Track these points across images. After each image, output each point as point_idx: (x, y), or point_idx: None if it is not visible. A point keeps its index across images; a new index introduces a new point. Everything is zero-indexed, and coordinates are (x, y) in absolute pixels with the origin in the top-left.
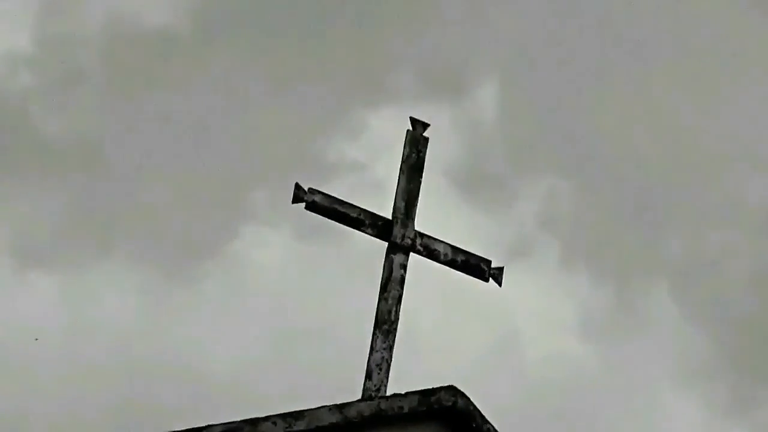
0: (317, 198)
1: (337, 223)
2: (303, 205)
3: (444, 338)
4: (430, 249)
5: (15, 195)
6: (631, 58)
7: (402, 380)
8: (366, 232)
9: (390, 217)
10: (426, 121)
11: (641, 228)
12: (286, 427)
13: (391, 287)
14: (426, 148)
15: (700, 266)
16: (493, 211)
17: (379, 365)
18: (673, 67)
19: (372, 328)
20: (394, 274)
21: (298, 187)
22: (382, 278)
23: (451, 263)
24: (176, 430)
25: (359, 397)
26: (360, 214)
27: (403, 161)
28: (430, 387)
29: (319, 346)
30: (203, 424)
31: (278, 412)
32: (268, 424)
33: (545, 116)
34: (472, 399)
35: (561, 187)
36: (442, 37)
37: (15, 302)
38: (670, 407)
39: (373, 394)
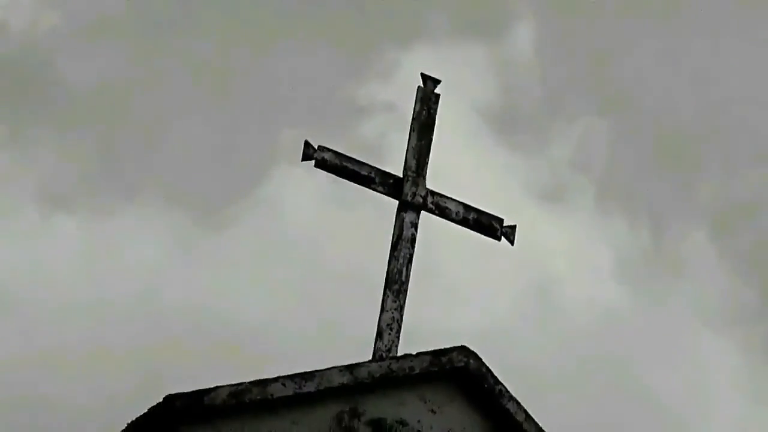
0: (327, 155)
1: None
2: (312, 162)
3: (478, 286)
4: (441, 207)
5: (41, 142)
6: (667, 2)
7: (441, 334)
8: (376, 190)
9: (401, 175)
10: (437, 77)
11: (677, 171)
12: (296, 388)
13: (402, 246)
14: (437, 104)
15: (737, 208)
16: (528, 152)
17: (389, 325)
18: (708, 8)
19: (382, 287)
20: (404, 233)
21: (307, 144)
22: (392, 237)
23: (463, 221)
24: (183, 391)
25: (370, 357)
26: (370, 172)
27: (413, 118)
28: (441, 347)
29: (350, 293)
30: (212, 386)
31: (287, 373)
32: (278, 385)
33: (581, 58)
34: (484, 359)
35: (596, 129)
36: None
37: (41, 248)
38: (707, 351)
39: (383, 355)
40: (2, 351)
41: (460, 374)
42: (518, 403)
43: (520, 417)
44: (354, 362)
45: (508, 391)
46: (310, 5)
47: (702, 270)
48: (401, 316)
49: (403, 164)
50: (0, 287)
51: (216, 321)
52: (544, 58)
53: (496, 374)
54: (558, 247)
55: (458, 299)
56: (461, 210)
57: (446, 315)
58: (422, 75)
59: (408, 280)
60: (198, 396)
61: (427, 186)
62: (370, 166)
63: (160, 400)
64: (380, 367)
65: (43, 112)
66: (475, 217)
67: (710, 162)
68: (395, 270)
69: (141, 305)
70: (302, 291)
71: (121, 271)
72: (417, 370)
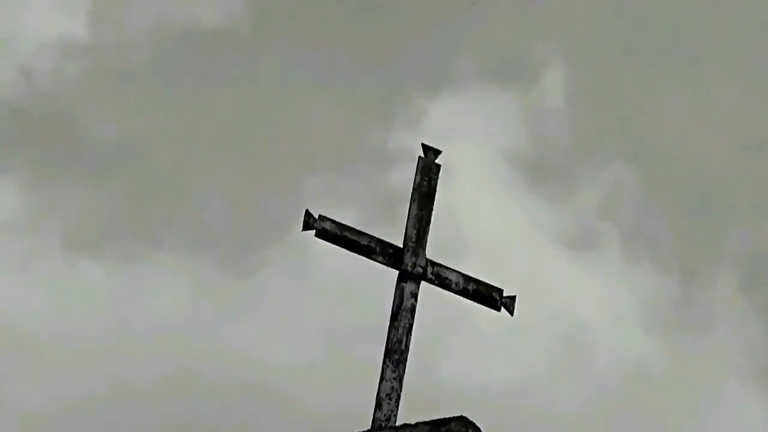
0: (327, 225)
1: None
2: (313, 232)
3: (507, 338)
4: (441, 277)
5: (66, 188)
6: (696, 48)
7: (471, 388)
8: (376, 260)
9: (401, 245)
10: (438, 148)
11: (707, 220)
12: None
13: (402, 316)
14: (438, 175)
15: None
16: (556, 200)
17: (389, 395)
18: (736, 58)
19: (382, 357)
20: (404, 303)
21: (308, 214)
22: (392, 307)
23: (463, 292)
24: None
25: (369, 427)
26: (370, 242)
27: (414, 188)
28: (441, 417)
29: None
30: None
31: None
32: None
33: (610, 105)
34: (482, 429)
35: (625, 177)
36: (504, 22)
37: (65, 293)
38: (736, 405)
39: (382, 425)
40: (26, 397)
41: None
42: None
43: None
44: None
45: None
46: (336, 56)
47: (731, 321)
48: (400, 386)
49: (403, 234)
50: (24, 332)
51: (241, 365)
52: (573, 105)
53: None
54: (586, 296)
55: (487, 351)
56: (461, 281)
57: (475, 368)
58: (423, 145)
59: (408, 350)
60: None
61: (427, 256)
62: (370, 236)
63: None
64: None
65: (68, 160)
66: (475, 287)
67: (740, 210)
68: (395, 339)
69: (165, 349)
70: (326, 336)
71: (146, 316)
72: None
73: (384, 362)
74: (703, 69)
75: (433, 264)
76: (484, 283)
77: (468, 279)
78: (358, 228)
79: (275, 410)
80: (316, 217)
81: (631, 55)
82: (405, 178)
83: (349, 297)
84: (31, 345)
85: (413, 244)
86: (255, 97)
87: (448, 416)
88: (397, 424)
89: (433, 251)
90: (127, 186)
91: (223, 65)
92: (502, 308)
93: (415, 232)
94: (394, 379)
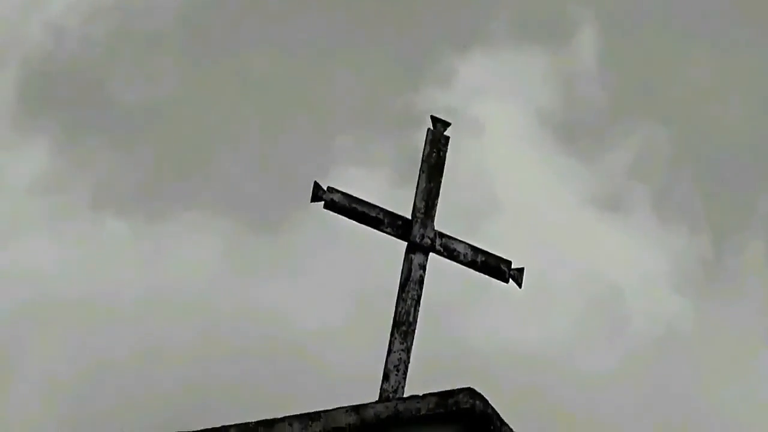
0: (336, 197)
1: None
2: (322, 204)
3: (539, 298)
4: (449, 249)
5: (97, 148)
6: (728, 11)
7: (508, 349)
8: (384, 232)
9: (409, 217)
10: (447, 120)
11: (737, 183)
12: (302, 429)
13: (410, 288)
14: (447, 146)
15: None
16: (587, 160)
17: (396, 366)
18: None
19: (390, 329)
20: (413, 275)
21: (317, 186)
22: (400, 278)
23: (471, 264)
24: (190, 430)
25: (377, 398)
26: (379, 214)
27: (423, 160)
28: (448, 389)
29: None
30: (219, 425)
31: (294, 413)
32: (284, 425)
33: (642, 66)
34: (490, 401)
35: (657, 138)
36: None
37: (94, 252)
38: (765, 366)
39: (390, 396)
40: (54, 358)
41: (467, 415)
42: None
43: None
44: (360, 403)
45: None
46: (365, 12)
47: (761, 283)
48: (408, 357)
49: (412, 206)
50: (52, 292)
51: (270, 325)
52: (605, 66)
53: (501, 416)
54: (616, 257)
55: (517, 314)
56: (469, 252)
57: (506, 331)
58: (432, 117)
59: (416, 321)
60: None
61: (436, 228)
62: (379, 208)
63: None
64: (386, 408)
65: (97, 121)
66: (483, 259)
67: None
68: (403, 311)
69: (194, 310)
70: (355, 297)
71: (174, 276)
72: (423, 412)
73: (392, 334)
74: (735, 32)
75: (442, 236)
76: (493, 255)
77: (476, 251)
78: (366, 200)
79: (303, 370)
80: (325, 188)
81: (664, 18)
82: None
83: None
84: (59, 305)
85: (422, 216)
86: (284, 58)
87: (455, 388)
88: (405, 395)
89: (462, 212)
90: (157, 147)
91: (252, 27)
92: (510, 280)
93: (423, 203)
94: (402, 350)
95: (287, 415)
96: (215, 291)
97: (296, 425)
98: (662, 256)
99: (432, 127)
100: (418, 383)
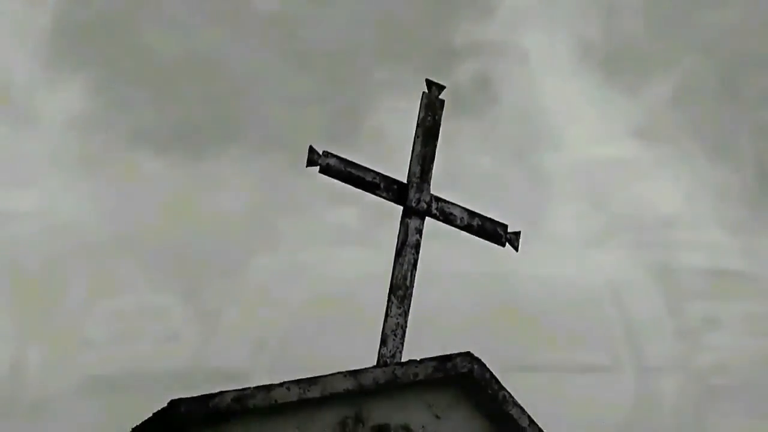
0: (331, 161)
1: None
2: (317, 168)
3: (585, 238)
4: (445, 213)
5: (135, 87)
6: None
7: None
8: (381, 196)
9: (405, 181)
10: (442, 83)
11: None
12: (300, 394)
13: (406, 252)
14: (442, 110)
15: None
16: (630, 91)
17: (394, 331)
18: None
19: (387, 293)
20: (409, 239)
21: (312, 150)
22: (397, 243)
23: (467, 228)
24: (188, 396)
25: (375, 363)
26: (375, 178)
27: (418, 125)
28: (446, 353)
29: None
30: (217, 391)
31: (292, 379)
32: (282, 390)
33: None
34: (488, 365)
35: (700, 69)
36: None
37: (132, 191)
38: None
39: (387, 361)
40: (91, 303)
41: (465, 380)
42: (522, 409)
43: (524, 422)
44: (358, 368)
45: (512, 397)
46: None
47: None
48: (406, 321)
49: (407, 170)
50: (91, 230)
51: (306, 270)
52: None
53: (499, 380)
54: (659, 190)
55: (568, 254)
56: (465, 216)
57: (555, 273)
58: (427, 81)
59: (413, 286)
60: (203, 401)
61: (432, 192)
62: (375, 172)
63: (165, 405)
64: (384, 373)
65: (137, 64)
66: (479, 223)
67: None
68: (399, 276)
69: (232, 246)
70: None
71: (212, 215)
72: (421, 376)
73: (389, 299)
74: None
75: (438, 200)
76: (489, 219)
77: (473, 215)
78: (362, 164)
79: (340, 319)
80: (320, 153)
81: None
82: (472, 69)
83: None
84: (95, 243)
85: (417, 180)
86: None
87: (453, 353)
88: (403, 360)
89: (512, 143)
90: (194, 88)
91: None
92: (507, 243)
93: (419, 168)
94: (399, 315)
95: (285, 380)
96: (252, 229)
97: (294, 389)
98: (706, 189)
99: (426, 91)
100: (416, 348)
